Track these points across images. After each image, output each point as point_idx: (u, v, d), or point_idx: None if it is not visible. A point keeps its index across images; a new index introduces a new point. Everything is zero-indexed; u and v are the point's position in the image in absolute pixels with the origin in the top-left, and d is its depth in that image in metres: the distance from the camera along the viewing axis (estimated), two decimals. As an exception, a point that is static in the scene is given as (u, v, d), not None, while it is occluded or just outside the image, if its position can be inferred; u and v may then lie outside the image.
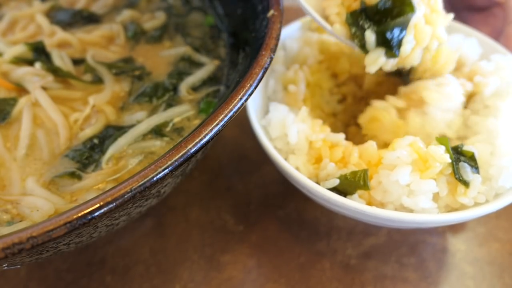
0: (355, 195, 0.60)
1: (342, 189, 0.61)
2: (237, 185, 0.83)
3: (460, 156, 0.59)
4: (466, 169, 0.58)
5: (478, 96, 0.67)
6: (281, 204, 0.80)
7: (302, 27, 0.82)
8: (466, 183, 0.58)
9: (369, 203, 0.60)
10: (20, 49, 0.72)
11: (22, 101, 0.67)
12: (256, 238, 0.76)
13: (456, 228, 0.77)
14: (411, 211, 0.59)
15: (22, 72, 0.69)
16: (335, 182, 0.60)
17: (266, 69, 0.54)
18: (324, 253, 0.74)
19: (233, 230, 0.77)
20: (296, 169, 0.64)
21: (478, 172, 0.59)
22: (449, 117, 0.65)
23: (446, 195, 0.58)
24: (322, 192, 0.60)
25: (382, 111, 0.68)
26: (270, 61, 0.55)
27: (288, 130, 0.65)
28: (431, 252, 0.73)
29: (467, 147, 0.60)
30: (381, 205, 0.60)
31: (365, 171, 0.59)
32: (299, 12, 0.82)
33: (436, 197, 0.59)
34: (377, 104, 0.69)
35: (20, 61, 0.72)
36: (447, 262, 0.73)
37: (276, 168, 0.68)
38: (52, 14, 0.84)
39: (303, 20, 0.82)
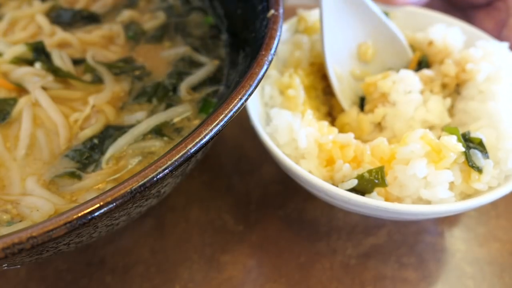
0: (374, 193, 0.60)
1: (360, 189, 0.61)
2: (237, 185, 0.83)
3: (469, 143, 0.61)
4: (477, 156, 0.60)
5: (471, 83, 0.69)
6: (281, 204, 0.80)
7: (290, 29, 0.82)
8: (479, 169, 0.60)
9: (387, 199, 0.61)
10: (20, 49, 0.72)
11: (22, 101, 0.67)
12: (256, 238, 0.76)
13: (456, 228, 0.77)
14: (428, 202, 0.60)
15: (22, 72, 0.69)
16: (354, 182, 0.60)
17: (266, 69, 0.54)
18: (324, 253, 0.74)
19: (233, 230, 0.77)
20: (309, 173, 0.63)
21: (488, 157, 0.61)
22: (416, 98, 0.68)
23: (460, 183, 0.60)
24: (342, 194, 0.59)
25: (346, 116, 0.73)
26: (270, 61, 0.55)
27: (297, 135, 0.65)
28: (431, 252, 0.73)
29: (474, 134, 0.62)
30: (398, 199, 0.61)
31: (381, 168, 0.60)
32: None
33: (451, 185, 0.60)
34: (341, 114, 0.74)
35: (20, 61, 0.72)
36: (447, 262, 0.73)
37: (289, 175, 0.68)
38: (52, 14, 0.84)
39: (290, 21, 0.82)
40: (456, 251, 0.74)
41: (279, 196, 0.81)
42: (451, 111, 0.71)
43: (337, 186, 0.61)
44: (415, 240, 0.75)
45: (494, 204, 0.79)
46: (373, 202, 0.58)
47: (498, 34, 0.82)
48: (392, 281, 0.70)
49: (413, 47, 0.78)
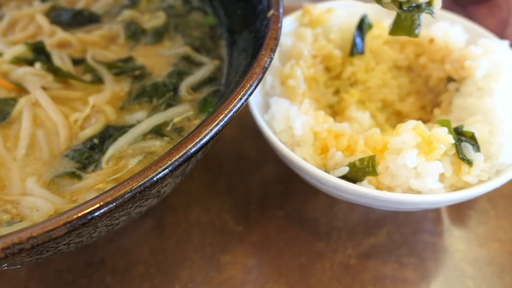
0: (365, 181, 0.62)
1: (351, 177, 0.62)
2: (237, 185, 0.83)
3: (461, 136, 0.62)
4: (468, 149, 0.61)
5: (470, 80, 0.70)
6: (281, 204, 0.80)
7: (294, 22, 0.82)
8: (469, 162, 0.60)
9: (378, 188, 0.62)
10: (20, 49, 0.72)
11: (22, 101, 0.67)
12: (256, 238, 0.76)
13: (456, 228, 0.77)
14: (418, 192, 0.61)
15: (22, 72, 0.69)
16: (345, 170, 0.62)
17: (266, 69, 0.54)
18: (324, 253, 0.74)
19: (233, 230, 0.77)
20: (304, 160, 0.64)
21: (479, 151, 0.62)
22: None
23: (451, 175, 0.61)
24: (333, 181, 0.61)
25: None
26: (270, 61, 0.55)
27: (293, 122, 0.66)
28: (431, 252, 0.73)
29: (467, 128, 0.63)
30: (389, 189, 0.62)
31: (372, 157, 0.61)
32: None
33: (441, 177, 0.61)
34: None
35: (20, 61, 0.72)
36: (447, 262, 0.73)
37: (284, 161, 0.69)
38: (52, 14, 0.84)
39: (294, 14, 0.82)
40: (456, 251, 0.74)
41: (279, 196, 0.81)
42: (448, 107, 0.72)
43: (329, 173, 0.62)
44: (415, 240, 0.75)
45: (494, 204, 0.79)
46: (363, 190, 0.60)
47: (499, 32, 0.83)
48: (392, 281, 0.70)
49: (415, 44, 0.79)
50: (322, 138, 0.65)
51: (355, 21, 0.80)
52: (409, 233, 0.76)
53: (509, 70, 0.69)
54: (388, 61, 0.79)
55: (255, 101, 0.71)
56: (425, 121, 0.71)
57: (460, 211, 0.79)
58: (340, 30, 0.81)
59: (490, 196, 0.80)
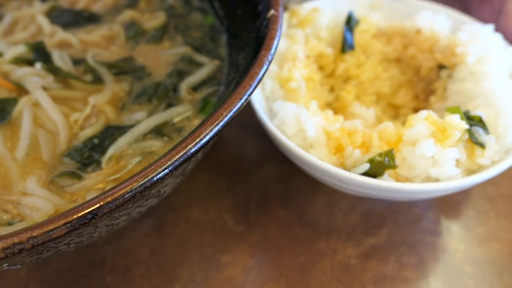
0: (385, 175, 0.63)
1: (371, 172, 0.63)
2: (237, 185, 0.83)
3: (471, 121, 0.64)
4: (479, 132, 0.63)
5: (462, 65, 0.72)
6: (281, 204, 0.80)
7: (284, 23, 0.82)
8: (482, 145, 0.62)
9: (397, 180, 0.63)
10: (20, 49, 0.72)
11: (23, 101, 0.67)
12: (256, 238, 0.76)
13: (456, 228, 0.77)
14: (437, 180, 0.63)
15: (22, 72, 0.70)
16: (366, 166, 0.62)
17: (266, 69, 0.54)
18: (324, 253, 0.74)
19: (233, 230, 0.77)
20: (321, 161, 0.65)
21: (489, 133, 0.64)
22: None
23: (465, 160, 0.63)
24: (356, 179, 0.61)
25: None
26: (270, 61, 0.55)
27: (305, 125, 0.66)
28: (430, 252, 0.73)
29: (474, 112, 0.65)
30: (408, 180, 0.64)
31: (391, 151, 0.62)
32: (299, 12, 0.83)
33: (457, 163, 0.63)
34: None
35: (20, 61, 0.72)
36: (447, 262, 0.73)
37: (300, 164, 0.69)
38: (52, 14, 0.84)
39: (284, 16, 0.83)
40: (456, 251, 0.74)
41: (279, 196, 0.81)
42: (443, 94, 0.74)
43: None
44: (415, 240, 0.75)
45: (494, 204, 0.79)
46: (387, 184, 0.61)
47: (494, 21, 0.84)
48: (392, 281, 0.71)
49: (401, 36, 0.80)
50: (335, 138, 0.66)
51: (341, 18, 0.81)
52: (409, 233, 0.76)
53: (498, 53, 0.71)
54: (378, 54, 0.80)
55: (260, 106, 0.71)
56: (420, 110, 0.72)
57: (460, 211, 0.79)
58: (329, 28, 0.82)
59: (490, 196, 0.80)
